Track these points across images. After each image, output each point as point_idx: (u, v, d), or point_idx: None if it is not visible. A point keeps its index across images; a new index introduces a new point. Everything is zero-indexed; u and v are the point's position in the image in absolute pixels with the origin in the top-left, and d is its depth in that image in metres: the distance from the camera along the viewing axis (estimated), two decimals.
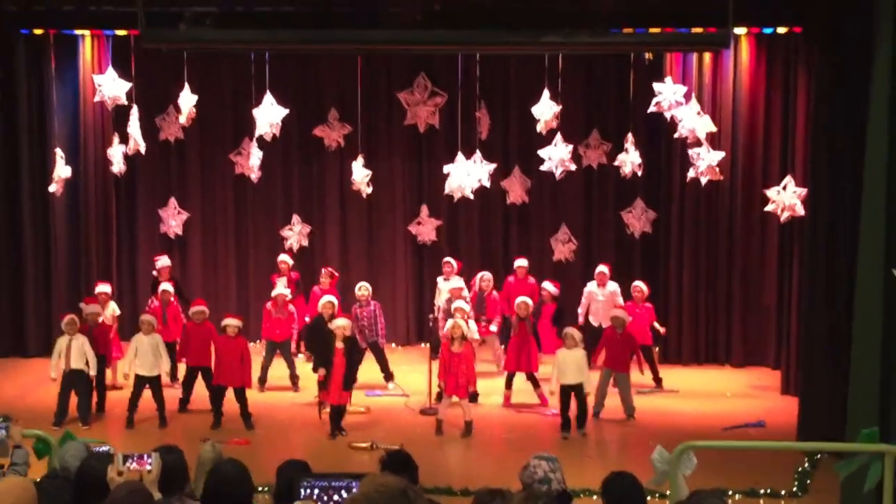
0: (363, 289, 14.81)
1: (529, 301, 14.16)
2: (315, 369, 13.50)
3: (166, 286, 15.01)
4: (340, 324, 12.94)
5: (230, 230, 17.67)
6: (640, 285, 15.20)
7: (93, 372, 13.17)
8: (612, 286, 15.49)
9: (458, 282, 15.40)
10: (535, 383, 14.04)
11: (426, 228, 17.27)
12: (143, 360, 13.19)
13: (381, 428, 13.05)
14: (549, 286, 15.24)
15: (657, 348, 15.74)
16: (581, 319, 15.40)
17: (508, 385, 14.22)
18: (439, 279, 16.02)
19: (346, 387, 12.83)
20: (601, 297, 15.40)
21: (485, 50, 14.76)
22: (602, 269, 15.60)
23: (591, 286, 15.59)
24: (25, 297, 16.48)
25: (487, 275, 15.54)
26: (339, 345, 12.77)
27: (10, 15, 14.39)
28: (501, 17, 12.72)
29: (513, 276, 15.84)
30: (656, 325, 15.22)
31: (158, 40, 12.68)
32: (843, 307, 11.59)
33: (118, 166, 16.02)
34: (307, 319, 15.01)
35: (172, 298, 14.94)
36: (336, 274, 15.82)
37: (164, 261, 15.80)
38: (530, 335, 14.02)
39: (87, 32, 16.16)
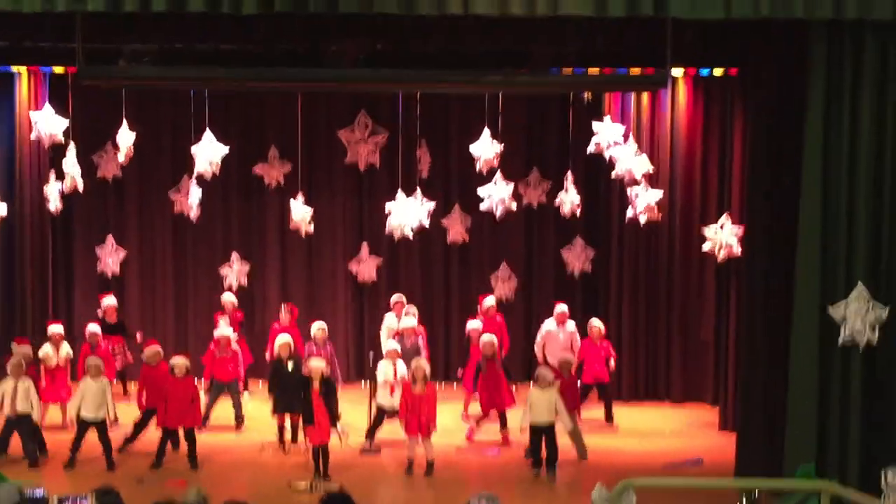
0: (320, 329, 14.68)
1: (494, 339, 14.20)
2: (274, 412, 13.45)
3: (93, 328, 14.89)
4: (316, 365, 12.90)
5: (169, 268, 17.49)
6: (597, 322, 15.25)
7: (36, 416, 12.97)
8: (571, 325, 15.49)
9: (411, 320, 15.25)
10: (504, 423, 14.02)
11: (367, 266, 17.22)
12: (88, 404, 12.98)
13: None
14: (476, 324, 15.24)
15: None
16: (540, 358, 15.36)
17: (478, 423, 14.24)
18: (388, 316, 15.87)
19: (332, 423, 12.79)
20: (561, 335, 15.40)
21: (425, 88, 14.82)
22: (562, 308, 15.54)
23: (548, 324, 15.53)
24: None
25: (412, 308, 15.53)
26: (316, 385, 12.70)
27: None
28: (442, 56, 12.78)
29: (481, 316, 15.72)
30: (611, 360, 15.24)
31: (97, 77, 12.58)
32: (780, 344, 11.72)
33: (55, 204, 15.83)
34: (266, 357, 14.94)
35: (100, 341, 14.82)
36: (295, 309, 15.75)
37: (109, 300, 15.68)
38: (500, 372, 14.03)
39: (23, 68, 15.99)
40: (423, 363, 13.15)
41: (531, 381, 13.97)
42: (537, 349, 15.50)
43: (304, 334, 15.21)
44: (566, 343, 15.21)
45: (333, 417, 12.85)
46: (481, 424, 14.29)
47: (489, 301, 15.83)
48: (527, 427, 13.09)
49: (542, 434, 13.00)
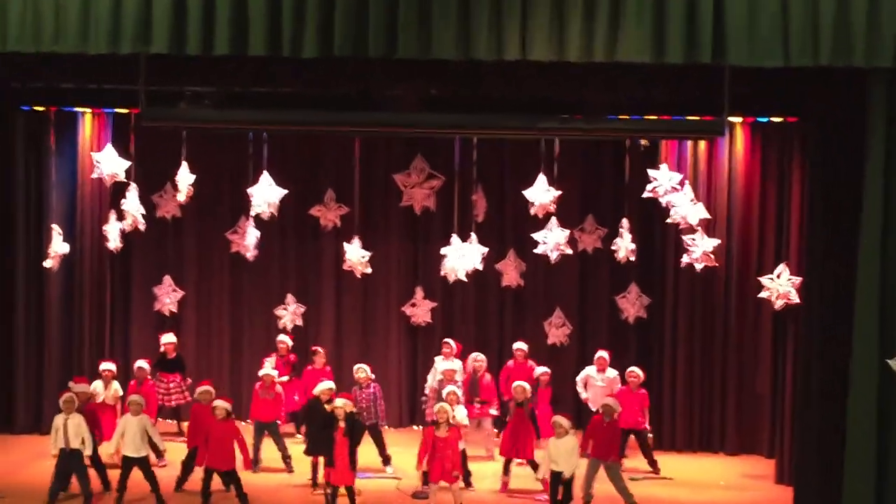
0: (361, 371, 14.74)
1: (527, 386, 14.11)
2: (307, 452, 13.44)
3: (141, 363, 15.09)
4: (339, 404, 12.86)
5: (225, 309, 17.63)
6: (635, 370, 15.14)
7: (87, 451, 13.03)
8: (612, 372, 15.41)
9: (454, 363, 15.34)
10: (536, 468, 13.93)
11: (421, 310, 17.23)
12: (130, 442, 13.07)
13: None
14: (545, 369, 15.20)
15: (650, 434, 15.58)
16: (583, 400, 15.31)
17: (506, 471, 14.08)
18: (437, 358, 15.95)
19: (352, 466, 12.72)
20: (600, 382, 15.30)
21: (482, 134, 14.87)
22: (602, 354, 15.53)
23: (589, 370, 15.51)
24: (16, 373, 16.30)
25: (480, 356, 15.49)
26: (342, 424, 12.67)
27: (10, 91, 14.51)
28: (499, 101, 12.83)
29: (512, 360, 15.76)
30: (645, 411, 15.10)
31: (158, 119, 12.74)
32: (838, 397, 11.55)
33: (114, 243, 16.03)
34: (296, 398, 14.98)
35: (148, 377, 15.08)
36: (321, 350, 15.86)
37: (168, 337, 16.02)
38: (528, 420, 13.92)
39: (87, 110, 16.29)
40: (445, 406, 13.03)
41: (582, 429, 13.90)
42: (581, 392, 15.42)
43: (340, 380, 15.22)
44: (606, 390, 15.12)
45: (353, 460, 12.75)
46: (510, 473, 14.11)
47: (519, 345, 15.80)
48: (545, 476, 13.03)
49: (559, 483, 12.92)
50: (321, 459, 13.52)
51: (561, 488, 12.89)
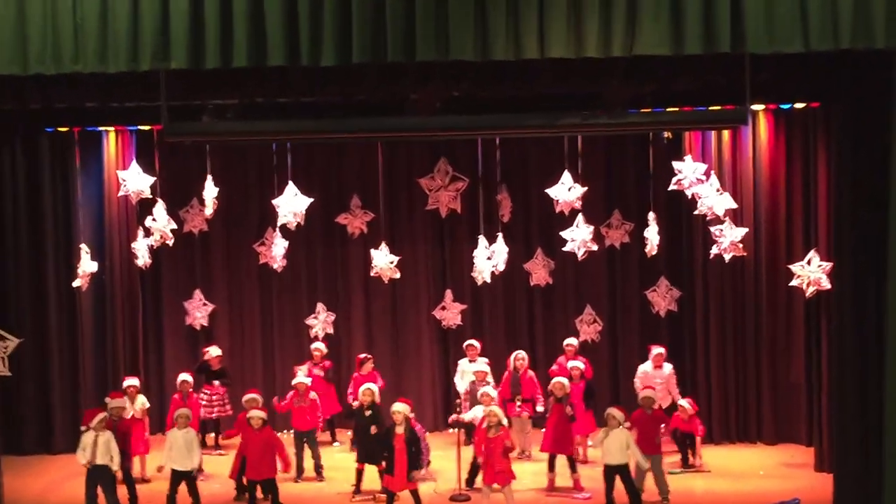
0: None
1: (566, 381, 14.10)
2: (358, 460, 13.47)
3: (184, 377, 15.16)
4: (398, 409, 12.88)
5: (255, 320, 17.70)
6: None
7: (115, 467, 13.09)
8: (668, 368, 15.38)
9: (482, 365, 15.37)
10: (573, 467, 13.89)
11: (451, 313, 17.22)
12: (177, 455, 13.14)
13: None
14: (578, 364, 15.18)
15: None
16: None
17: (551, 468, 14.07)
18: (462, 361, 15.97)
19: (410, 473, 12.69)
20: (659, 379, 15.25)
21: (504, 134, 14.85)
22: (659, 350, 15.47)
23: (645, 367, 15.46)
24: (52, 392, 16.41)
25: (522, 353, 15.53)
26: (399, 430, 12.67)
27: (34, 112, 14.62)
28: (519, 101, 12.82)
29: (563, 356, 15.71)
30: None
31: (181, 134, 12.78)
32: (874, 382, 11.47)
33: (143, 259, 16.10)
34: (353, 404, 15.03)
35: (191, 389, 15.15)
36: (370, 356, 15.91)
37: (214, 350, 16.11)
38: (566, 416, 13.90)
39: (110, 128, 16.37)
40: (496, 409, 13.02)
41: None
42: (636, 388, 15.19)
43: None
44: (664, 386, 15.08)
45: (412, 466, 12.73)
46: (555, 470, 14.10)
47: (569, 341, 15.85)
48: (596, 444, 13.14)
49: (614, 475, 12.87)
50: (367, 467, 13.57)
51: (621, 484, 12.85)
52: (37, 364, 16.31)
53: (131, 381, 15.09)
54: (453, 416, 14.72)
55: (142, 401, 14.94)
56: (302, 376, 15.21)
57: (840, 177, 12.38)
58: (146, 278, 17.34)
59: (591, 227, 15.31)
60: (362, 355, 16.03)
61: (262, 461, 13.12)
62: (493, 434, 12.74)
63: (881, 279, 11.19)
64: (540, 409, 15.15)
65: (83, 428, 13.27)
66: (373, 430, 13.42)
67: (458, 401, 15.39)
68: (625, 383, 16.95)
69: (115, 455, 13.07)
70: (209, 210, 15.44)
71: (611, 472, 12.88)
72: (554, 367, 15.59)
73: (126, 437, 13.57)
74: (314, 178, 16.80)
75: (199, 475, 14.15)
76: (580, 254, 15.28)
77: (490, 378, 15.15)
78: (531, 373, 15.46)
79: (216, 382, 15.90)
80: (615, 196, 16.96)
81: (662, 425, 14.16)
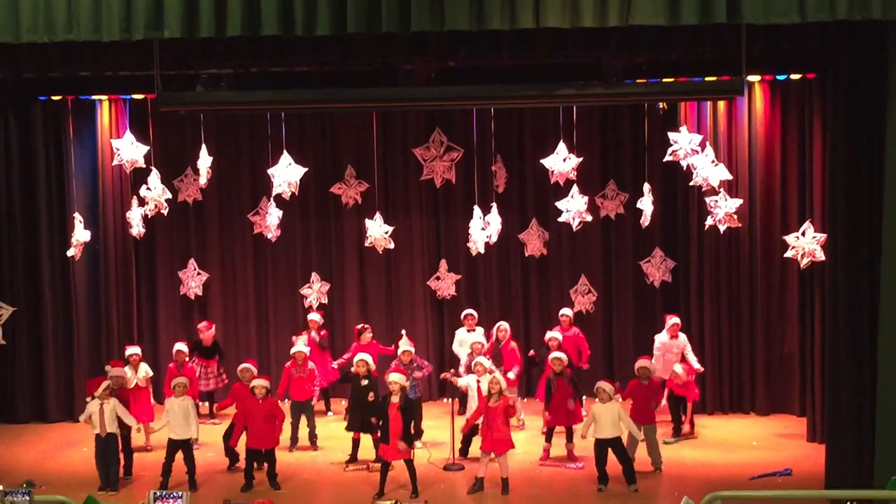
0: (406, 353, 14.57)
1: (563, 356, 14.09)
2: (348, 428, 13.51)
3: (180, 346, 15.15)
4: (394, 378, 12.87)
5: (250, 290, 17.70)
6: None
7: (135, 426, 13.20)
8: (683, 337, 15.39)
9: (480, 336, 15.38)
10: (570, 437, 13.95)
11: (445, 283, 17.25)
12: (174, 424, 13.15)
13: (404, 485, 12.90)
14: (556, 334, 15.16)
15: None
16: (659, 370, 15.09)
17: (548, 439, 14.13)
18: (460, 330, 15.97)
19: (408, 441, 12.71)
20: (675, 349, 15.26)
21: (499, 104, 14.82)
22: (675, 320, 15.40)
23: (662, 337, 15.41)
24: (46, 362, 16.43)
25: (504, 325, 15.49)
26: (395, 399, 12.70)
27: (27, 81, 14.54)
28: (514, 71, 12.78)
29: (558, 327, 15.60)
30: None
31: (175, 103, 12.76)
32: (867, 353, 11.50)
33: (137, 229, 16.07)
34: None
35: (187, 359, 15.13)
36: (367, 325, 15.92)
37: (205, 326, 16.24)
38: (569, 388, 13.92)
39: (104, 97, 16.30)
40: (498, 377, 13.05)
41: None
42: (658, 364, 14.97)
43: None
44: (678, 355, 15.11)
45: (409, 435, 12.77)
46: (551, 442, 14.15)
47: (564, 312, 15.81)
48: (587, 435, 13.04)
49: (606, 448, 12.89)
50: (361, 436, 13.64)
51: (614, 458, 12.86)
52: (31, 333, 16.33)
53: (133, 350, 15.07)
54: (445, 374, 14.77)
55: (145, 369, 14.93)
56: (301, 345, 15.21)
57: (835, 148, 12.36)
58: (140, 248, 17.33)
59: (586, 198, 15.28)
60: (360, 325, 16.02)
61: (264, 431, 13.12)
62: (494, 403, 12.76)
63: (876, 251, 11.20)
64: (511, 375, 15.02)
65: (88, 399, 13.28)
66: (370, 396, 13.47)
67: (451, 371, 15.37)
68: (618, 353, 17.03)
69: (127, 418, 13.12)
70: (203, 179, 15.42)
71: (602, 446, 12.89)
72: (553, 340, 15.23)
73: (126, 406, 13.56)
74: (308, 148, 16.78)
75: (195, 444, 14.18)
76: (575, 224, 15.26)
77: (485, 346, 15.14)
78: (513, 344, 15.44)
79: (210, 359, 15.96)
80: (610, 167, 16.94)
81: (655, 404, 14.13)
